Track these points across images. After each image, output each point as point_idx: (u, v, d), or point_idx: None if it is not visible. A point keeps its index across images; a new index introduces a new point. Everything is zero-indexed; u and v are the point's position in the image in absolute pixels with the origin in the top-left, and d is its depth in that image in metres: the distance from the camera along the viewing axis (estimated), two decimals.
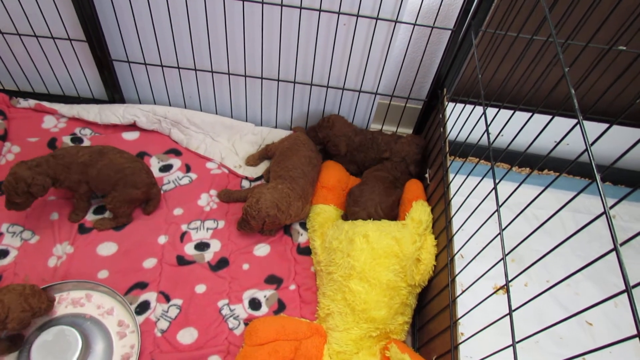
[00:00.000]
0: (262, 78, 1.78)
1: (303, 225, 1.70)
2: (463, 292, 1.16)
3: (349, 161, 1.84)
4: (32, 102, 1.94)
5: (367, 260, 1.41)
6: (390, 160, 1.77)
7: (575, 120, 0.80)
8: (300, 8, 1.52)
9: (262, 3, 1.53)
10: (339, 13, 1.53)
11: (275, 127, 1.98)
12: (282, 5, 1.52)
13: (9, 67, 1.88)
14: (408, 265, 1.42)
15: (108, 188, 1.56)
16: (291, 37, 1.63)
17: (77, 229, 1.61)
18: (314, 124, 1.85)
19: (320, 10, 1.52)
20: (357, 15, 1.52)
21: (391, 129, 2.00)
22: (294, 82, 1.78)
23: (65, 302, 1.44)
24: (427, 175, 1.66)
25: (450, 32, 1.55)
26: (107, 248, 1.58)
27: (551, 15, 1.04)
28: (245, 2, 1.53)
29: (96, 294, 1.46)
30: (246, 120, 1.97)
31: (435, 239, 1.44)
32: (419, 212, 1.52)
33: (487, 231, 1.11)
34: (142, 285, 1.50)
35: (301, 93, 1.83)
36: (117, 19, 1.64)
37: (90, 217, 1.64)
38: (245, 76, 1.78)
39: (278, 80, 1.78)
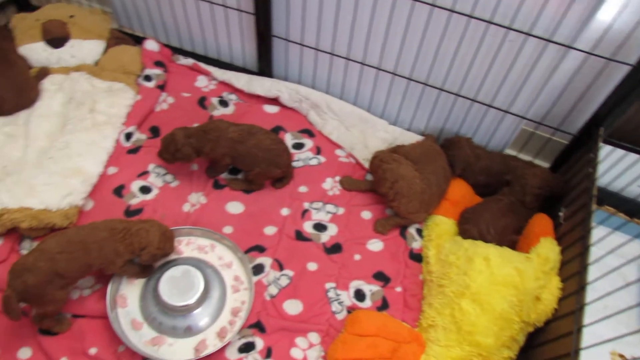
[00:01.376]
0: (409, 79, 1.79)
1: (419, 232, 1.69)
2: (589, 347, 1.10)
3: (475, 185, 1.81)
4: (190, 61, 2.10)
5: (484, 284, 1.38)
6: (510, 185, 1.72)
7: None
8: (470, 17, 1.51)
9: (433, 6, 1.53)
10: (509, 28, 1.49)
11: (408, 129, 1.99)
12: (452, 11, 1.52)
13: (178, 25, 2.05)
14: (526, 300, 1.37)
15: (251, 165, 1.66)
16: (450, 44, 1.62)
17: (213, 183, 1.73)
18: (444, 138, 1.82)
19: (490, 23, 1.50)
20: (529, 34, 1.48)
21: (525, 158, 1.92)
22: (440, 89, 1.78)
23: (192, 246, 1.56)
24: (561, 213, 1.58)
25: (628, 67, 1.46)
26: (235, 207, 1.68)
27: None
28: (416, 3, 1.54)
29: (219, 246, 1.57)
30: (381, 117, 1.99)
31: (562, 282, 1.37)
32: (547, 249, 1.46)
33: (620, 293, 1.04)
34: (260, 249, 1.59)
35: (445, 101, 1.82)
36: None
37: (225, 175, 1.76)
38: (394, 74, 1.80)
39: (425, 84, 1.78)
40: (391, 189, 1.59)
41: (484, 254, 1.44)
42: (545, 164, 1.89)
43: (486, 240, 1.55)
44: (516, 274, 1.39)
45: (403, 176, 1.59)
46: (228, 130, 1.64)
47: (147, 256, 1.38)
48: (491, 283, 1.38)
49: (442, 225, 1.67)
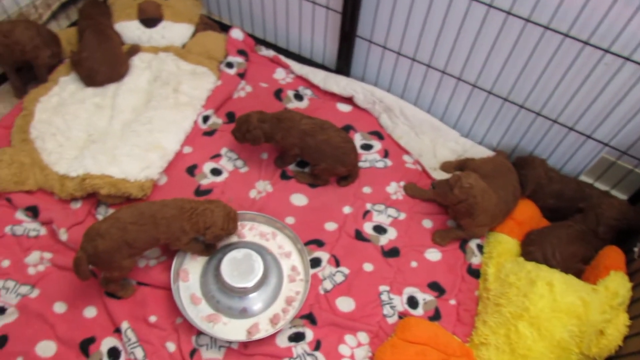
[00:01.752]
0: (489, 92, 1.76)
1: (480, 248, 1.66)
2: None
3: (543, 207, 1.75)
4: (271, 53, 2.16)
5: (545, 309, 1.35)
6: (584, 213, 1.65)
7: None
8: (566, 36, 1.46)
9: (527, 21, 1.50)
10: (606, 51, 1.44)
11: (480, 143, 1.95)
12: (546, 28, 1.48)
13: (264, 17, 2.11)
14: (588, 332, 1.32)
15: (318, 160, 1.69)
16: (540, 61, 1.58)
17: (280, 173, 1.78)
18: (517, 156, 1.78)
19: (586, 44, 1.45)
20: (628, 59, 1.42)
21: (600, 187, 1.84)
22: (521, 106, 1.73)
23: (255, 232, 1.61)
24: (636, 249, 1.51)
25: None
26: (299, 199, 1.72)
27: None
28: (509, 16, 1.51)
29: (280, 235, 1.61)
30: (454, 128, 1.96)
31: (630, 319, 1.31)
32: (617, 283, 1.40)
33: None
34: (319, 243, 1.61)
35: (522, 119, 1.77)
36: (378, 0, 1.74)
37: (292, 167, 1.80)
38: (474, 86, 1.77)
39: (505, 99, 1.74)
40: (466, 202, 1.54)
41: (547, 278, 1.40)
42: (622, 196, 1.81)
43: (550, 265, 1.50)
44: (581, 304, 1.34)
45: (484, 190, 1.54)
46: (301, 122, 1.67)
47: (211, 235, 1.44)
48: (553, 309, 1.34)
49: (504, 244, 1.63)
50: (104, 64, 1.86)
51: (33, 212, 1.59)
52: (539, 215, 1.74)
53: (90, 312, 1.44)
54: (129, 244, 1.35)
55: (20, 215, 1.60)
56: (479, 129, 1.92)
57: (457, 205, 1.55)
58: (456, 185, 1.53)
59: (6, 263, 1.50)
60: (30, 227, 1.58)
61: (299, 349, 1.40)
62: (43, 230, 1.58)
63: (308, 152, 1.70)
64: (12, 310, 1.42)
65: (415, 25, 1.74)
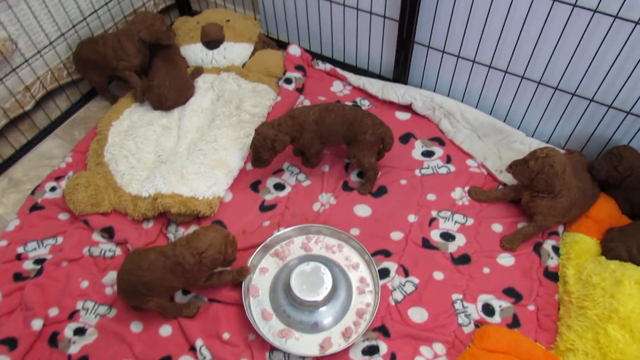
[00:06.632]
0: (556, 88, 1.69)
1: (555, 250, 1.58)
2: None
3: (624, 198, 1.65)
4: (328, 66, 2.18)
5: (636, 309, 1.27)
6: None
7: None
8: (637, 23, 1.39)
9: (595, 11, 1.44)
10: None
11: (547, 142, 1.87)
12: (616, 17, 1.41)
13: (321, 32, 2.14)
14: None
15: (337, 140, 1.69)
16: (609, 53, 1.51)
17: (342, 184, 1.77)
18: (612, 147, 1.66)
19: None
20: None
21: None
22: (591, 100, 1.65)
23: (321, 245, 1.61)
24: None
25: None
26: (362, 210, 1.70)
27: None
28: (575, 8, 1.45)
29: (347, 247, 1.60)
30: (518, 128, 1.90)
31: None
32: None
33: None
34: (386, 253, 1.59)
35: (592, 113, 1.69)
36: (437, 4, 1.72)
37: (353, 178, 1.79)
38: (539, 83, 1.71)
39: (574, 94, 1.67)
40: (544, 173, 1.49)
41: (635, 277, 1.32)
42: None
43: (636, 262, 1.42)
44: None
45: (564, 163, 1.49)
46: (309, 114, 1.66)
47: (208, 260, 1.36)
48: None
49: (582, 243, 1.55)
50: (172, 90, 1.94)
51: (109, 233, 1.66)
52: (618, 213, 1.64)
53: (165, 330, 1.48)
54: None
55: (96, 236, 1.68)
56: (546, 127, 1.84)
57: (535, 179, 1.49)
58: (532, 157, 1.49)
59: (85, 284, 1.57)
60: (106, 247, 1.65)
61: None
62: (118, 251, 1.65)
63: (327, 139, 1.68)
64: (91, 330, 1.48)
65: (475, 26, 1.70)
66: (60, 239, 1.67)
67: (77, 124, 2.08)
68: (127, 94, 2.05)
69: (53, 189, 1.80)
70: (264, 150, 1.62)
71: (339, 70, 2.14)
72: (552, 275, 1.53)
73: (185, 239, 1.38)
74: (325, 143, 1.73)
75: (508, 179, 1.77)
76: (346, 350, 1.40)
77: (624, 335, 1.25)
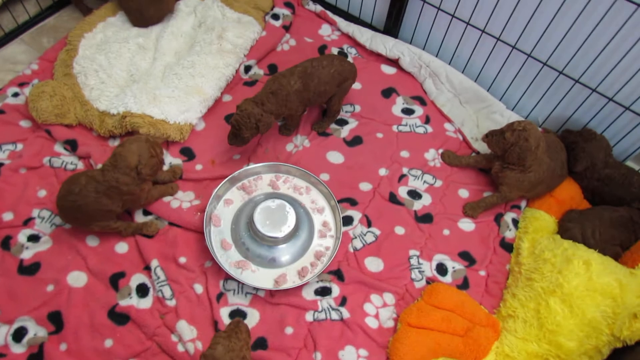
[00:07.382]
0: (544, 64, 1.69)
1: (515, 223, 1.62)
2: None
3: (586, 187, 1.69)
4: (318, 8, 2.11)
5: (579, 287, 1.32)
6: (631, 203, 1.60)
7: None
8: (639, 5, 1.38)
9: None
10: None
11: (526, 117, 1.88)
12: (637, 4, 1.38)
13: None
14: (622, 315, 1.28)
15: (324, 99, 1.67)
16: (604, 35, 1.50)
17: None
18: (583, 129, 1.70)
19: None
20: None
21: None
22: (576, 81, 1.65)
23: (289, 185, 1.60)
24: None
25: None
26: (335, 157, 1.70)
27: None
28: None
29: (314, 190, 1.60)
30: (500, 99, 1.90)
31: None
32: None
33: None
34: (352, 202, 1.60)
35: (575, 94, 1.70)
36: None
37: (332, 125, 1.77)
38: (529, 56, 1.70)
39: (561, 72, 1.67)
40: (518, 145, 1.51)
41: (584, 257, 1.37)
42: None
43: (588, 245, 1.46)
44: (617, 285, 1.31)
45: (539, 138, 1.52)
46: (291, 84, 1.56)
47: (147, 169, 1.35)
48: (587, 288, 1.31)
49: (541, 220, 1.59)
50: (152, 3, 1.84)
51: (72, 145, 1.62)
52: (580, 197, 1.69)
53: (121, 247, 1.47)
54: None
55: (58, 148, 1.63)
56: (527, 102, 1.85)
57: (509, 151, 1.52)
58: (509, 129, 1.51)
59: (43, 193, 1.54)
60: (68, 160, 1.61)
61: (325, 303, 1.41)
62: (80, 164, 1.61)
63: (310, 102, 1.64)
64: (46, 238, 1.46)
65: None
66: (20, 146, 1.62)
67: (47, 31, 1.97)
68: (102, 6, 1.93)
69: (16, 94, 1.73)
70: (247, 129, 1.50)
71: (329, 14, 2.07)
72: (507, 246, 1.58)
73: (109, 164, 1.34)
74: (308, 104, 1.68)
75: (482, 147, 1.78)
76: (299, 288, 1.42)
77: (563, 309, 1.30)
